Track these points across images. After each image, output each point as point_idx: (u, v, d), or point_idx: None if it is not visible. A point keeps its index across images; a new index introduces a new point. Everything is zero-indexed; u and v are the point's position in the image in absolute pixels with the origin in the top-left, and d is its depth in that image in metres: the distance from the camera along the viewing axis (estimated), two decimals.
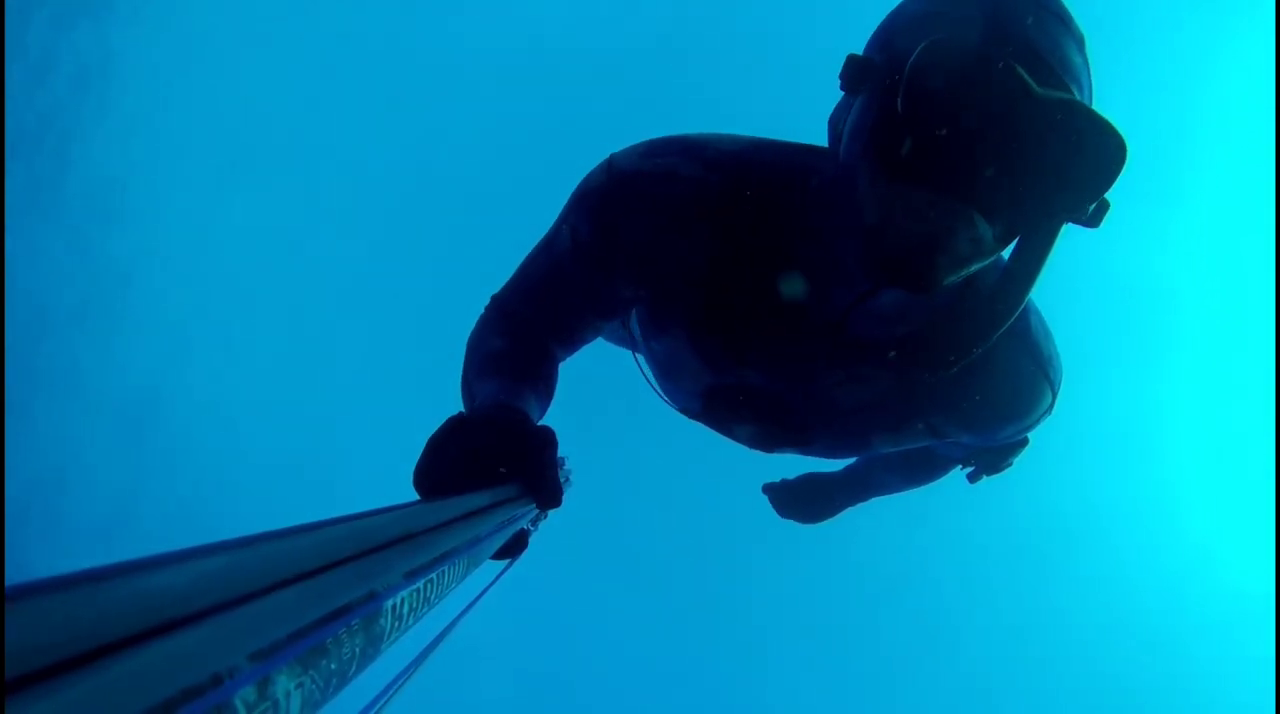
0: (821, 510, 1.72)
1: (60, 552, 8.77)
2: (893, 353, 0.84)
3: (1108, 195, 0.69)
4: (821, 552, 10.53)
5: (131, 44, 9.66)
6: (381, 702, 0.37)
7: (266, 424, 11.33)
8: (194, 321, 10.83)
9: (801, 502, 1.73)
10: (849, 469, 1.65)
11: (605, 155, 0.94)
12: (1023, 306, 0.76)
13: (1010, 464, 1.23)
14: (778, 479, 1.79)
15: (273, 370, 11.46)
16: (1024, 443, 1.16)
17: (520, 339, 1.04)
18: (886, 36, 0.75)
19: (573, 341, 1.08)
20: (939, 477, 1.45)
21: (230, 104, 10.88)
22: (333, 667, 0.28)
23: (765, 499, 1.79)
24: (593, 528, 10.72)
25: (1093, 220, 0.71)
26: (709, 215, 0.87)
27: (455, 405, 0.97)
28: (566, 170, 1.00)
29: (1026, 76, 0.63)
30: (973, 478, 1.30)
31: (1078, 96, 0.67)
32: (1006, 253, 0.75)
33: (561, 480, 0.77)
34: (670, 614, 11.79)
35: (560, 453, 0.79)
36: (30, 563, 8.08)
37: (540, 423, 0.93)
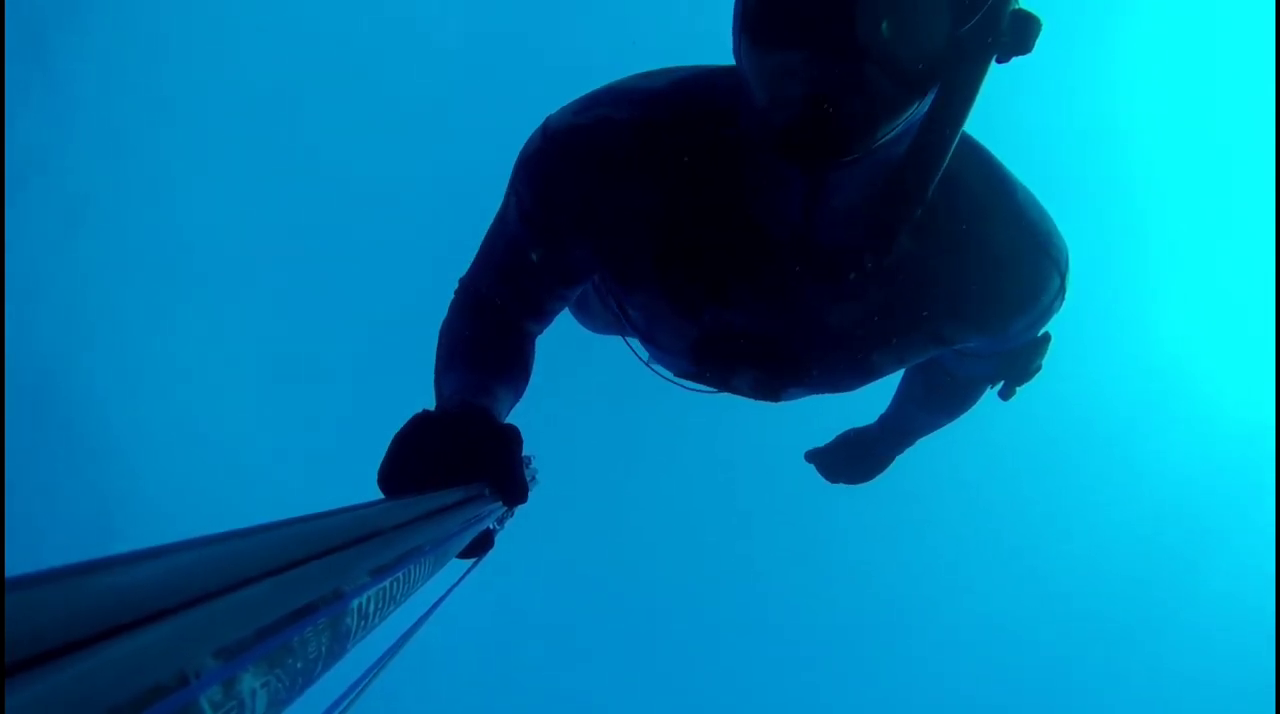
0: (869, 467, 1.66)
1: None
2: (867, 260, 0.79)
3: (1036, 10, 0.63)
4: (816, 547, 10.31)
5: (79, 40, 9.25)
6: (347, 701, 0.36)
7: (230, 423, 11.03)
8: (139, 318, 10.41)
9: (847, 462, 1.67)
10: (883, 418, 1.60)
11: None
12: (948, 156, 0.70)
13: (1039, 367, 1.14)
14: (808, 446, 1.72)
15: (234, 367, 11.14)
16: (1045, 339, 1.08)
17: (488, 322, 1.03)
18: None
19: (541, 314, 1.07)
20: (973, 402, 1.38)
21: (186, 92, 10.54)
22: (298, 665, 0.28)
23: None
24: (572, 519, 10.60)
25: (1017, 43, 0.64)
26: (651, 154, 0.86)
27: (424, 399, 0.96)
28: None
29: None
30: (1005, 394, 1.21)
31: None
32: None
33: (528, 478, 0.77)
34: (653, 608, 11.67)
35: (526, 451, 0.80)
36: None
37: (508, 420, 0.92)
